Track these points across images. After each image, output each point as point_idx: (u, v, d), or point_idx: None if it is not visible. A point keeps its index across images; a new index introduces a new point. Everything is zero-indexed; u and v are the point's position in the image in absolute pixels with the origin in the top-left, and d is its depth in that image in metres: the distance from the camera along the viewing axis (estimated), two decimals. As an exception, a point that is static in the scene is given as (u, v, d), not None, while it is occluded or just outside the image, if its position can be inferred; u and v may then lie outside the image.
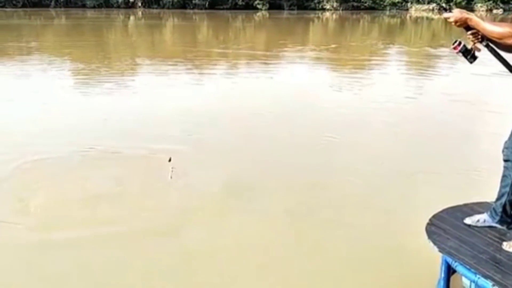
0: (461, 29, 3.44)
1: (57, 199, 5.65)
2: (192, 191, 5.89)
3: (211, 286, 4.14)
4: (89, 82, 12.96)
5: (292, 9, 48.80)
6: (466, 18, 3.40)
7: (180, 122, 8.88)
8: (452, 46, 3.54)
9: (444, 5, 3.74)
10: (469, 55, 3.52)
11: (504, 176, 3.66)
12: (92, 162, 6.79)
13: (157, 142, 7.58)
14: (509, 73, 3.49)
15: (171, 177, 6.09)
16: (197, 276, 4.24)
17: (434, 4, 49.28)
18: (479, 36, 3.43)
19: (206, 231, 4.98)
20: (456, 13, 3.44)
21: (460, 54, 3.52)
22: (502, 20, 3.38)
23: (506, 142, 3.64)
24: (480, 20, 3.37)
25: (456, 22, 3.43)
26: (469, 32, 3.45)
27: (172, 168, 6.27)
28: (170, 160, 6.43)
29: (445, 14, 3.49)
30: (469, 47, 3.52)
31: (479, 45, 3.48)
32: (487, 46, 3.45)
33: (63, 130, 8.38)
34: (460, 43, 3.51)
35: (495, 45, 3.44)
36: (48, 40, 24.32)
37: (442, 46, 22.18)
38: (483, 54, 3.48)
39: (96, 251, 4.60)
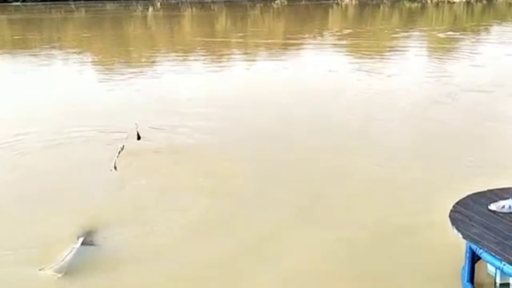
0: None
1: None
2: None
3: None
4: (107, 72, 13.20)
5: (310, -4, 48.41)
6: None
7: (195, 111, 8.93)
8: None
9: None
10: None
11: (529, 161, 3.61)
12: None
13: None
14: None
15: (115, 168, 4.89)
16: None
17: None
18: None
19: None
20: None
21: None
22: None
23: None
24: None
25: None
26: None
27: (119, 152, 5.11)
28: (122, 148, 5.25)
29: None
30: None
31: None
32: None
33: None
34: None
35: None
36: (68, 32, 24.55)
37: (464, 29, 21.80)
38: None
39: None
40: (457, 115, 8.62)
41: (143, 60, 15.43)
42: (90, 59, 15.82)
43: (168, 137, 7.34)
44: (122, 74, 12.70)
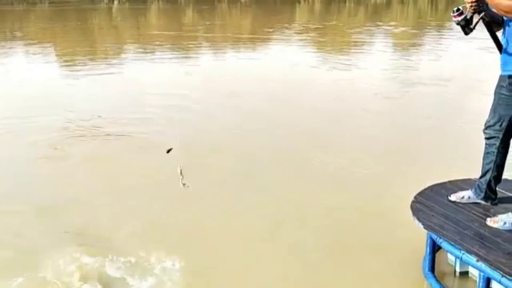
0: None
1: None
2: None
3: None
4: (68, 66, 13.01)
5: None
6: None
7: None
8: (453, 15, 3.49)
9: None
10: (468, 26, 3.48)
11: (487, 153, 3.70)
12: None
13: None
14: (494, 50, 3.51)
15: (184, 184, 4.34)
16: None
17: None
18: (480, 6, 3.38)
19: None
20: None
21: (462, 23, 3.47)
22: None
23: (487, 121, 3.67)
24: None
25: None
26: (471, 0, 3.39)
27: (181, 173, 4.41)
28: (169, 151, 4.69)
29: None
30: (468, 17, 3.45)
31: (476, 16, 3.44)
32: (483, 19, 3.42)
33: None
34: (462, 13, 3.46)
35: (492, 19, 3.44)
36: (30, 24, 23.98)
37: (426, 25, 22.16)
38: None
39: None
40: (400, 107, 8.82)
41: (105, 53, 15.26)
42: (49, 51, 15.54)
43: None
44: (82, 67, 12.58)
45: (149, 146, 6.70)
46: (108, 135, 7.23)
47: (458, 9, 3.48)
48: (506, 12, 3.26)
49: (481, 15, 3.40)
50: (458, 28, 3.53)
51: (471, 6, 3.40)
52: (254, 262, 4.15)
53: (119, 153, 6.57)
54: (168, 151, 4.65)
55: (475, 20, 3.46)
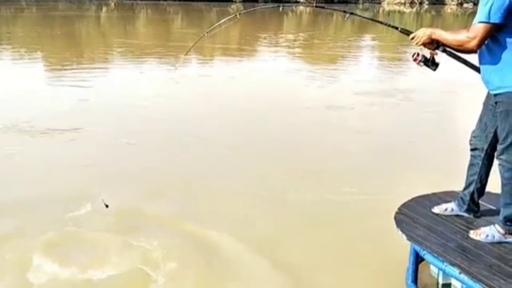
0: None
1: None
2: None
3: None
4: (51, 74, 13.04)
5: (266, 2, 48.75)
6: (430, 33, 3.50)
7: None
8: (412, 58, 3.64)
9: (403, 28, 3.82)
10: (430, 63, 3.62)
11: (471, 165, 3.72)
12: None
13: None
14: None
15: (106, 206, 4.90)
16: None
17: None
18: (434, 44, 3.53)
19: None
20: (419, 33, 3.55)
21: (422, 64, 3.62)
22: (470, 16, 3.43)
23: (473, 131, 3.69)
24: (441, 31, 3.48)
25: (420, 41, 3.53)
26: (418, 42, 3.57)
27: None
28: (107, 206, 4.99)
29: (411, 35, 3.62)
30: (427, 56, 3.61)
31: (436, 51, 3.58)
32: (444, 51, 3.54)
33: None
34: (418, 54, 3.61)
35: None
36: (17, 31, 23.85)
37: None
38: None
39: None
40: (373, 122, 8.82)
41: (90, 60, 15.23)
42: (35, 58, 15.50)
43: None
44: (67, 73, 12.56)
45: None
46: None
47: (414, 53, 3.63)
48: (458, 46, 3.36)
49: (440, 49, 3.53)
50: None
51: (426, 47, 3.55)
52: None
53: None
54: (107, 206, 4.91)
55: (436, 57, 3.60)
